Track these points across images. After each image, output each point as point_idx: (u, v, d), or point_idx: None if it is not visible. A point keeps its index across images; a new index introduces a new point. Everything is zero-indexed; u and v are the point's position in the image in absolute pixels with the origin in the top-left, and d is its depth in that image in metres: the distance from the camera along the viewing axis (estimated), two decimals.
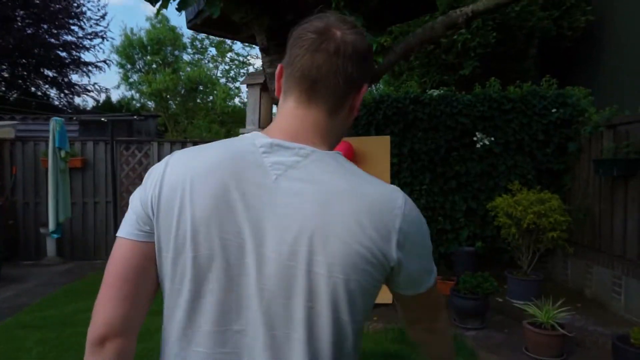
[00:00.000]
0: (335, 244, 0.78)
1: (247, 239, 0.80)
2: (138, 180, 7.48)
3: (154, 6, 2.91)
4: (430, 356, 1.10)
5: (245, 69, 20.74)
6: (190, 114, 18.13)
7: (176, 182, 0.82)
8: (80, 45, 15.21)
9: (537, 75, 7.30)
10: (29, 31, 13.63)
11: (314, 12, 0.91)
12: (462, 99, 5.72)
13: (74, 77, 15.83)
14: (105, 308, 0.84)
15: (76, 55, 15.30)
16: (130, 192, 7.48)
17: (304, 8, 1.80)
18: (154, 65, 19.34)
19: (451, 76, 7.48)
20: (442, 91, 5.97)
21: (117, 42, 21.18)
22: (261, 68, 3.42)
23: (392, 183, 1.06)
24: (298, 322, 0.79)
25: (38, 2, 13.43)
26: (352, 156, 3.64)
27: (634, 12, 6.77)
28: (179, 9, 2.83)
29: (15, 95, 14.57)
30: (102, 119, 7.77)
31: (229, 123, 17.80)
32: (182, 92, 18.03)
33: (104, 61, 16.60)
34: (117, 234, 0.88)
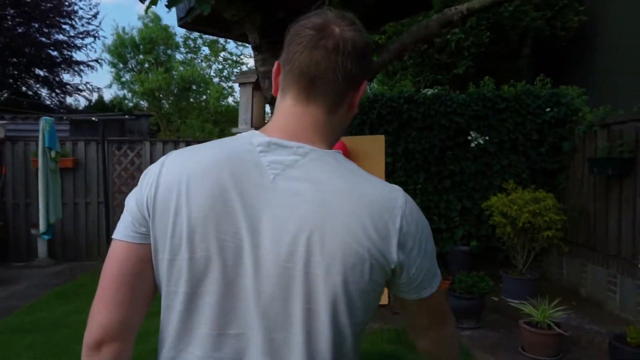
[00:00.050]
0: (334, 245, 0.76)
1: (245, 240, 0.78)
2: (130, 180, 7.41)
3: (143, 3, 2.86)
4: None
5: (239, 68, 20.70)
6: (184, 113, 18.05)
7: (172, 183, 0.81)
8: (72, 44, 15.10)
9: (530, 75, 7.32)
10: (19, 30, 13.51)
11: (306, 10, 0.89)
12: (456, 98, 5.71)
13: (66, 77, 15.72)
14: (101, 312, 0.82)
15: (68, 55, 15.19)
16: (122, 192, 7.41)
17: (296, 6, 1.76)
18: (147, 65, 19.24)
19: (445, 75, 7.47)
20: (436, 90, 5.96)
21: (109, 41, 21.03)
22: (254, 67, 3.38)
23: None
24: (296, 324, 0.77)
25: (29, 0, 13.30)
26: (347, 156, 3.61)
27: (626, 12, 6.80)
28: (168, 6, 2.78)
29: (5, 95, 14.44)
30: (93, 119, 7.69)
31: (222, 122, 17.74)
32: (175, 91, 17.94)
33: (96, 60, 16.50)
34: (112, 236, 0.86)
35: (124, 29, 20.18)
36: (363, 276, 0.78)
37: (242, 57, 21.07)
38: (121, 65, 19.46)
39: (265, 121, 4.74)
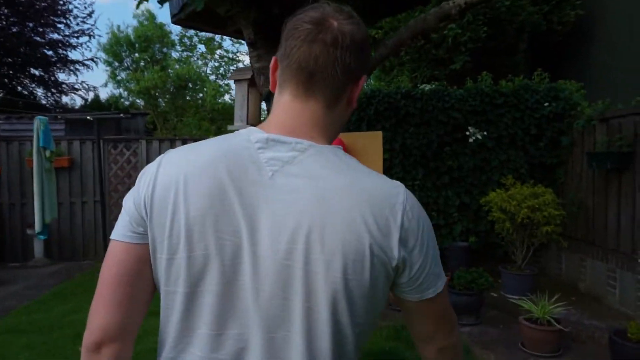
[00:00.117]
0: (333, 241, 0.75)
1: (243, 238, 0.77)
2: (127, 179, 7.38)
3: None
4: None
5: (235, 65, 20.60)
6: (180, 111, 17.94)
7: (169, 181, 0.80)
8: (67, 43, 15.03)
9: (527, 70, 7.29)
10: (14, 29, 13.42)
11: (301, 5, 0.88)
12: (454, 93, 5.68)
13: (61, 76, 15.73)
14: (100, 313, 0.82)
15: (63, 54, 15.12)
16: (118, 191, 7.38)
17: (290, 1, 1.73)
18: (142, 63, 19.13)
19: (442, 71, 7.44)
20: (433, 86, 5.92)
21: (104, 39, 20.94)
22: (249, 64, 3.35)
23: None
24: (296, 323, 0.76)
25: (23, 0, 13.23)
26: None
27: (623, 7, 6.78)
28: (160, 1, 2.74)
29: (1, 95, 14.35)
30: (88, 118, 7.63)
31: (219, 120, 17.64)
32: (172, 89, 17.83)
33: (92, 59, 16.44)
34: (110, 237, 0.85)
35: (119, 27, 20.13)
36: (364, 273, 0.76)
37: (238, 54, 20.98)
38: (117, 64, 19.34)
39: (262, 118, 4.71)
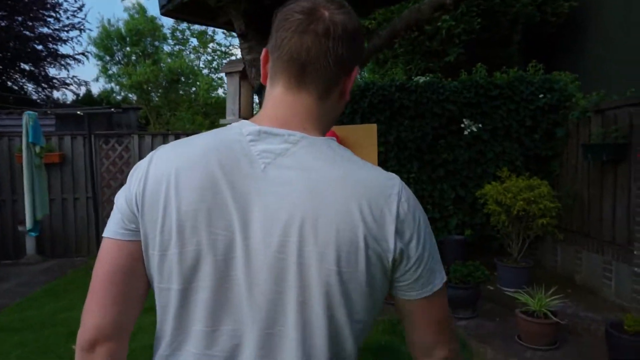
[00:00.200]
0: (327, 233, 0.74)
1: (236, 232, 0.76)
2: (119, 174, 7.31)
3: None
4: None
5: (228, 59, 20.45)
6: (173, 105, 17.81)
7: (161, 176, 0.79)
8: (57, 37, 14.82)
9: (521, 62, 7.28)
10: (2, 24, 13.22)
11: None
12: (448, 85, 5.64)
13: (52, 71, 15.53)
14: (94, 311, 0.81)
15: (53, 48, 14.91)
16: (111, 187, 7.31)
17: None
18: (134, 57, 18.94)
19: (436, 63, 7.40)
20: (428, 78, 5.88)
21: (95, 33, 20.67)
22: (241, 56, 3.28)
23: None
24: (290, 318, 0.75)
25: None
26: None
27: None
28: None
29: None
30: (79, 113, 7.54)
31: (213, 114, 17.52)
32: (164, 83, 17.68)
33: (82, 54, 16.22)
34: (102, 235, 0.84)
35: (109, 21, 19.82)
36: (358, 265, 0.74)
37: (231, 47, 20.82)
38: (108, 58, 19.13)
39: (254, 111, 4.64)
